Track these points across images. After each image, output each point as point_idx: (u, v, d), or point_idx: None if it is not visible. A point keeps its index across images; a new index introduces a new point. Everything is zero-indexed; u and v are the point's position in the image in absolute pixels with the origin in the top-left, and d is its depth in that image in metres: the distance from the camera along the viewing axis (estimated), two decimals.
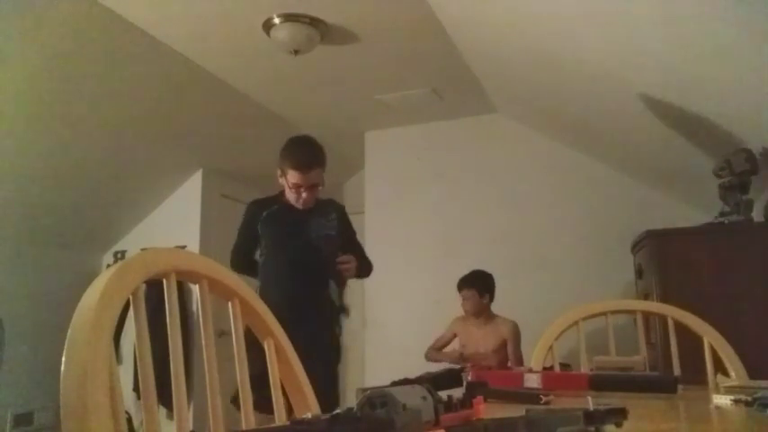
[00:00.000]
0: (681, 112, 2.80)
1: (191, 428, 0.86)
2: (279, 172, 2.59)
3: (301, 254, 2.58)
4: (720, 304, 2.26)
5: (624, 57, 2.59)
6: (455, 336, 3.82)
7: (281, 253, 2.61)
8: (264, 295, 1.41)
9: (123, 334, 1.36)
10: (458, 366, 3.62)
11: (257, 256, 2.68)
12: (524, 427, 0.53)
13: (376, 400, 0.47)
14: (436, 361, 3.65)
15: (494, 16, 2.92)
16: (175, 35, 3.24)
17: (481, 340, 3.66)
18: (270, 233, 2.63)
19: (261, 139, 4.56)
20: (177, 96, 3.74)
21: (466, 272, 4.58)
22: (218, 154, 4.56)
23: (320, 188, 2.60)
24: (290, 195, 2.58)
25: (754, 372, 1.44)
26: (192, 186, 4.62)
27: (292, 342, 1.10)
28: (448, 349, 3.82)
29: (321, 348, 2.46)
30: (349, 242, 2.75)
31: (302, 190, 2.53)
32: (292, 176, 2.51)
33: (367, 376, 4.55)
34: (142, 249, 0.95)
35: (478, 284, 3.69)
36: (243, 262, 2.70)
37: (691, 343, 1.56)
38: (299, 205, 2.57)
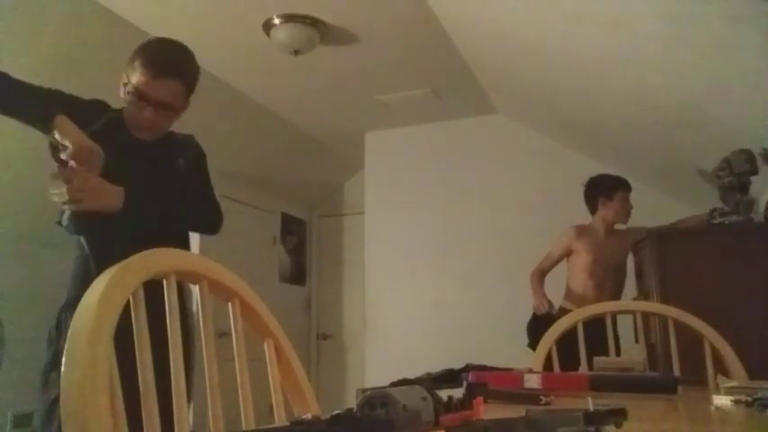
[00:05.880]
0: (681, 112, 2.80)
1: (191, 428, 0.86)
2: (123, 77, 1.74)
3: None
4: (720, 304, 2.26)
5: (624, 57, 2.59)
6: (569, 254, 3.32)
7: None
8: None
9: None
10: (552, 311, 3.15)
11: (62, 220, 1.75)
12: (524, 427, 0.53)
13: (376, 400, 0.47)
14: (533, 287, 3.32)
15: (493, 16, 2.92)
16: (175, 35, 3.22)
17: (616, 252, 3.21)
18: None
19: (261, 139, 4.56)
20: None
21: (466, 271, 4.58)
22: (219, 154, 4.53)
23: (175, 117, 1.80)
24: (129, 109, 1.75)
25: (754, 372, 1.44)
26: None
27: None
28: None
29: None
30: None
31: (145, 104, 1.70)
32: (139, 78, 1.69)
33: (367, 376, 4.55)
34: None
35: None
36: None
37: (691, 343, 1.56)
38: (141, 126, 1.76)
